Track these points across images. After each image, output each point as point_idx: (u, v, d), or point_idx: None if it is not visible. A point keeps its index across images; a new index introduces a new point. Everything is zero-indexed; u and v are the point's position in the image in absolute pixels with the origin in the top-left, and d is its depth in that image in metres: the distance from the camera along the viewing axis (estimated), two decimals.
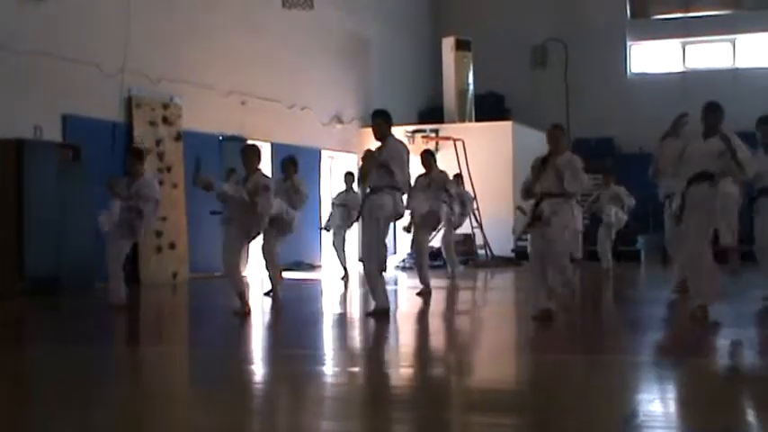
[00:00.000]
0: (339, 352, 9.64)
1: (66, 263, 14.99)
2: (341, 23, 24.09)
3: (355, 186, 18.35)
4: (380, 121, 11.45)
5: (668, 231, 13.56)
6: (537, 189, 10.66)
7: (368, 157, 11.28)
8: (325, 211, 21.72)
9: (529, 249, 11.03)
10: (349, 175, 18.24)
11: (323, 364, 8.66)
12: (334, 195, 18.42)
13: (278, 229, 13.51)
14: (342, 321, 12.29)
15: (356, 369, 8.38)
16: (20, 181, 14.54)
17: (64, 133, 15.73)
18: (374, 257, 11.37)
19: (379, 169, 11.10)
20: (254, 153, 12.36)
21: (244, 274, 12.44)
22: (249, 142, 12.49)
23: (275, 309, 12.04)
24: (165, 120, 17.86)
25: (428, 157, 14.86)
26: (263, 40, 20.70)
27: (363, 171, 11.41)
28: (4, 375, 8.16)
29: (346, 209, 17.77)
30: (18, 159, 14.56)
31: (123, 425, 6.11)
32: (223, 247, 12.07)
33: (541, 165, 10.64)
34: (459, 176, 18.04)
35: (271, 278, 13.19)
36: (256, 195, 11.84)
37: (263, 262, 13.54)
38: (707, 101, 10.42)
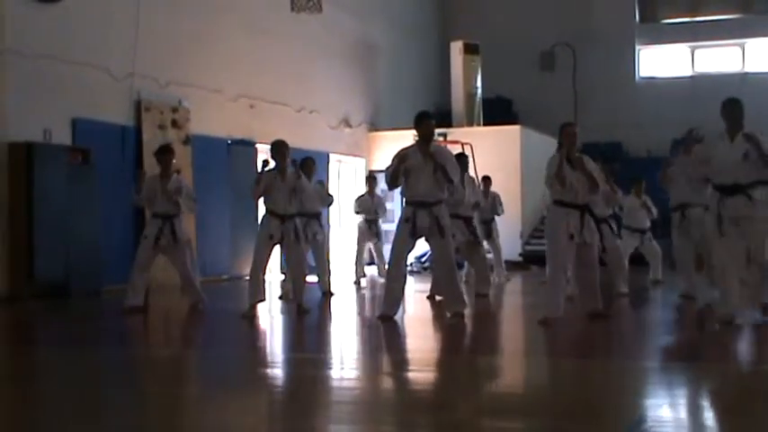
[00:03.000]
0: (348, 356, 9.65)
1: (75, 266, 15.02)
2: (349, 27, 24.12)
3: (378, 191, 18.38)
4: (431, 122, 11.43)
5: (676, 239, 13.47)
6: (578, 199, 10.68)
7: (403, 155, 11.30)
8: (333, 214, 21.79)
9: (554, 255, 10.93)
10: (372, 180, 18.23)
11: (331, 368, 8.67)
12: (356, 201, 18.38)
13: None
14: (352, 325, 12.31)
15: (365, 373, 8.38)
16: (30, 184, 14.58)
17: (73, 137, 15.76)
18: (403, 267, 11.50)
19: (435, 173, 11.13)
20: (287, 147, 12.38)
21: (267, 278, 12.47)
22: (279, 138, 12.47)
23: (300, 316, 12.03)
24: (174, 123, 17.90)
25: (464, 162, 14.55)
26: (271, 43, 20.73)
27: (397, 172, 11.35)
28: (15, 378, 8.18)
29: (370, 221, 17.92)
30: (28, 163, 14.61)
31: (134, 427, 6.12)
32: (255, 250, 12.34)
33: (567, 165, 10.63)
34: (487, 179, 17.85)
35: (296, 285, 12.88)
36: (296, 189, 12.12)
37: (291, 273, 13.31)
38: (725, 98, 10.38)
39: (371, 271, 19.45)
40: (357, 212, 18.27)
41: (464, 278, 15.62)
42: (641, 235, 16.40)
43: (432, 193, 11.19)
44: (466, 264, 16.19)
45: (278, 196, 12.08)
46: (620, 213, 16.36)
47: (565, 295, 11.17)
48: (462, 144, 22.03)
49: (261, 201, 12.55)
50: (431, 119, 11.50)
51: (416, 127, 11.40)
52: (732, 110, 10.22)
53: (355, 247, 18.48)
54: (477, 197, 14.69)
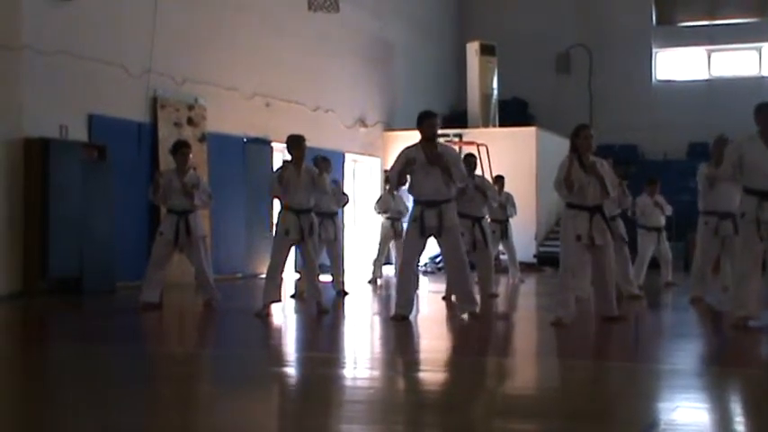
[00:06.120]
0: (361, 355, 9.66)
1: (89, 262, 15.05)
2: (366, 26, 24.12)
3: (404, 194, 18.34)
4: (434, 121, 11.37)
5: (702, 241, 13.33)
6: (587, 201, 10.66)
7: (436, 156, 11.22)
8: (348, 213, 21.77)
9: (564, 257, 10.92)
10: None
11: (344, 367, 8.67)
12: (378, 203, 18.36)
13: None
14: (365, 325, 12.32)
15: (378, 372, 8.39)
16: (45, 180, 14.61)
17: (89, 133, 15.79)
18: (414, 266, 11.50)
19: (443, 174, 11.12)
20: (304, 141, 12.33)
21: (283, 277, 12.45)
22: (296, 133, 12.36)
23: (318, 315, 12.02)
24: (190, 121, 17.92)
25: (470, 162, 14.43)
26: (287, 42, 20.73)
27: (403, 172, 11.33)
28: (28, 374, 8.21)
29: (393, 220, 17.90)
30: (43, 158, 14.63)
31: (147, 425, 6.13)
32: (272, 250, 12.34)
33: (579, 167, 10.62)
34: (499, 178, 17.77)
35: (311, 284, 12.56)
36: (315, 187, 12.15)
37: (305, 268, 13.13)
38: (758, 103, 10.35)
39: (388, 270, 19.44)
40: (379, 213, 18.22)
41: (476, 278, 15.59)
42: (658, 233, 16.37)
43: (439, 192, 11.18)
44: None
45: (294, 191, 12.04)
46: (634, 216, 16.33)
47: (575, 296, 11.15)
48: (478, 145, 22.03)
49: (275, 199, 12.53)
50: (433, 118, 11.44)
51: (419, 127, 11.35)
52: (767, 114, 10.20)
53: (377, 246, 18.40)
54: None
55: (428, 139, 11.30)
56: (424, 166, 11.15)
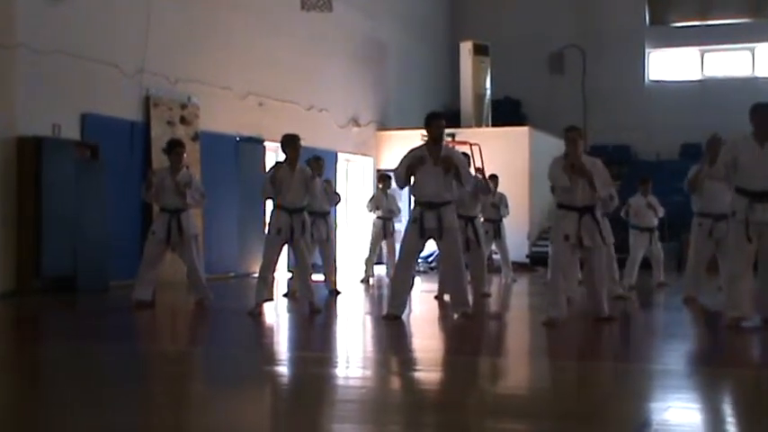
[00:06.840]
0: (354, 355, 9.66)
1: (82, 261, 15.04)
2: (359, 26, 24.13)
3: (396, 194, 18.32)
4: (442, 123, 11.37)
5: (696, 242, 13.35)
6: (577, 202, 10.69)
7: (447, 158, 11.20)
8: (341, 213, 21.77)
9: (555, 257, 10.95)
10: (385, 179, 18.15)
11: (337, 367, 8.68)
12: (370, 201, 18.37)
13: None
14: (358, 324, 12.32)
15: (370, 372, 8.39)
16: (38, 179, 14.60)
17: (82, 132, 15.77)
18: (411, 267, 11.50)
19: (446, 174, 11.13)
20: (299, 140, 12.33)
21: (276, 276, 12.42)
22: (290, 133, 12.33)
23: (311, 315, 12.02)
24: (183, 120, 17.91)
25: None
26: (281, 41, 20.73)
27: (410, 171, 11.33)
28: (21, 373, 8.20)
29: (385, 219, 17.90)
30: (36, 157, 14.62)
31: (139, 424, 6.13)
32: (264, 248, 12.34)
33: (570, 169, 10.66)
34: (493, 177, 17.77)
35: (303, 283, 12.57)
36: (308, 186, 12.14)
37: (298, 267, 12.92)
38: (753, 104, 10.36)
39: (379, 270, 19.45)
40: (370, 210, 18.22)
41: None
42: (650, 234, 16.38)
43: (439, 194, 11.18)
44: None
45: (287, 190, 12.04)
46: (627, 217, 16.35)
47: (565, 296, 11.17)
48: (471, 145, 22.03)
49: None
50: (441, 119, 11.45)
51: (427, 127, 11.37)
52: (763, 115, 10.19)
53: (368, 245, 18.41)
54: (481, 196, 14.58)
55: (435, 139, 11.33)
56: (429, 167, 11.16)
